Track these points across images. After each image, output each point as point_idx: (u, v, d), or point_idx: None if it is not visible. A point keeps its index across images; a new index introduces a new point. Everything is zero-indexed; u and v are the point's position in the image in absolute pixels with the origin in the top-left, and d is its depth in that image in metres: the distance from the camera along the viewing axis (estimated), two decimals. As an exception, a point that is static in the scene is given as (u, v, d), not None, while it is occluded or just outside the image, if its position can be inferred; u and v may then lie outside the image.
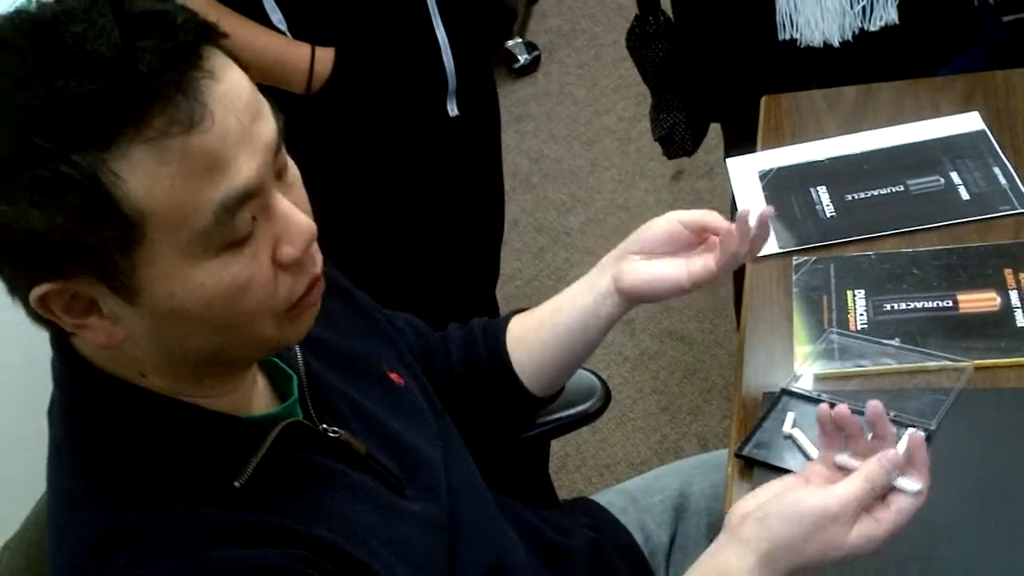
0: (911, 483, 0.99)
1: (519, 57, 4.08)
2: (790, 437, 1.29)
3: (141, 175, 0.83)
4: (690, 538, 1.50)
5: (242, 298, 0.90)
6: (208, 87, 0.85)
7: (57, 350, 0.98)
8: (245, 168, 0.87)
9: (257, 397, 1.05)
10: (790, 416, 1.31)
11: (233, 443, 0.97)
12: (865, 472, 0.98)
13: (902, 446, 1.01)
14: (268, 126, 0.90)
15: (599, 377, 1.59)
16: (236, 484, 0.94)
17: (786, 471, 1.24)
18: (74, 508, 0.94)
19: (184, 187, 0.84)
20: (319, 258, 0.98)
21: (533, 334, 1.37)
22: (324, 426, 1.06)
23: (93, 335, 0.90)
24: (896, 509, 0.98)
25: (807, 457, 1.26)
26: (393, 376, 1.22)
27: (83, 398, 0.97)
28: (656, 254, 1.28)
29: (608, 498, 1.54)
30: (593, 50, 4.14)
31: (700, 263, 1.25)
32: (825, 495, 0.97)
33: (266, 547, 0.91)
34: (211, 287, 0.88)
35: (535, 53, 4.11)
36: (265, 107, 0.91)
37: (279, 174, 0.93)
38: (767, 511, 0.99)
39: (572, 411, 1.54)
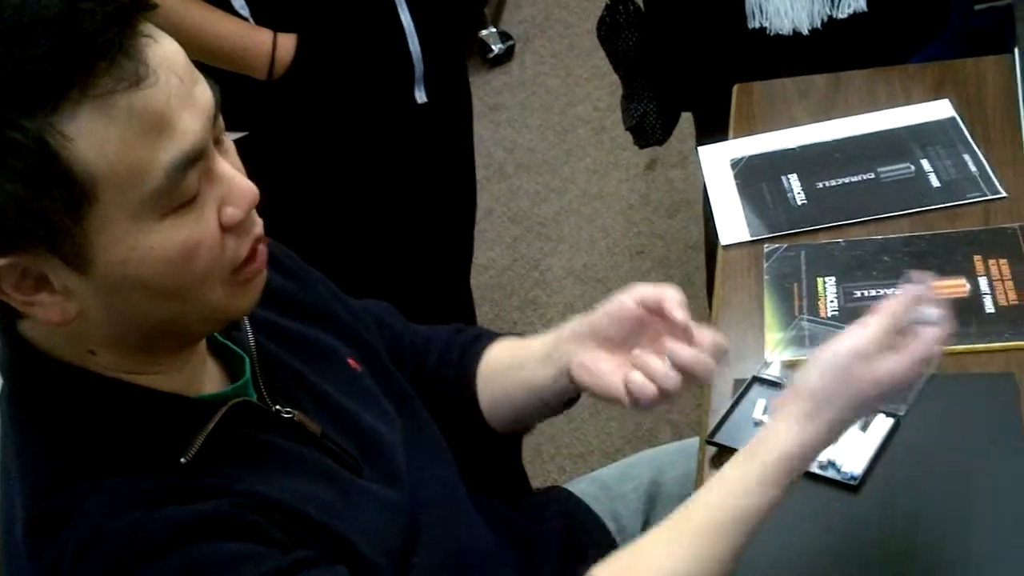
0: (930, 311, 1.04)
1: (493, 47, 4.07)
2: (761, 423, 1.29)
3: (90, 136, 0.83)
4: None
5: (191, 262, 0.91)
6: (149, 47, 0.86)
7: (0, 335, 0.98)
8: (190, 129, 0.88)
9: (208, 379, 1.05)
10: (760, 403, 1.32)
11: (180, 422, 0.96)
12: (885, 307, 1.03)
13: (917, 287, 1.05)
14: (207, 90, 0.91)
15: None
16: (182, 460, 0.94)
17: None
18: (17, 489, 0.94)
19: (133, 147, 0.85)
20: (259, 221, 0.98)
21: (499, 383, 1.32)
22: (277, 407, 1.06)
23: (44, 312, 0.90)
24: (919, 339, 1.02)
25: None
26: (350, 361, 1.22)
27: (26, 383, 0.97)
28: (614, 339, 1.21)
29: (581, 487, 1.54)
30: (567, 40, 4.13)
31: (639, 381, 1.16)
32: (853, 337, 1.01)
33: (208, 501, 0.91)
34: (161, 251, 0.89)
35: (509, 43, 4.10)
36: (200, 74, 0.92)
37: (217, 140, 0.94)
38: (805, 371, 1.03)
39: None
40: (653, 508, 1.51)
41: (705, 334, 1.15)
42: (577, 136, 3.69)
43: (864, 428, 1.26)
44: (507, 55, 4.09)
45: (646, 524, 1.50)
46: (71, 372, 0.95)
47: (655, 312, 1.18)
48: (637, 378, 1.15)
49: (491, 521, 1.28)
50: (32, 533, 0.92)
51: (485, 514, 1.28)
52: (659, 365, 1.14)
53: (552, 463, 2.69)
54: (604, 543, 1.44)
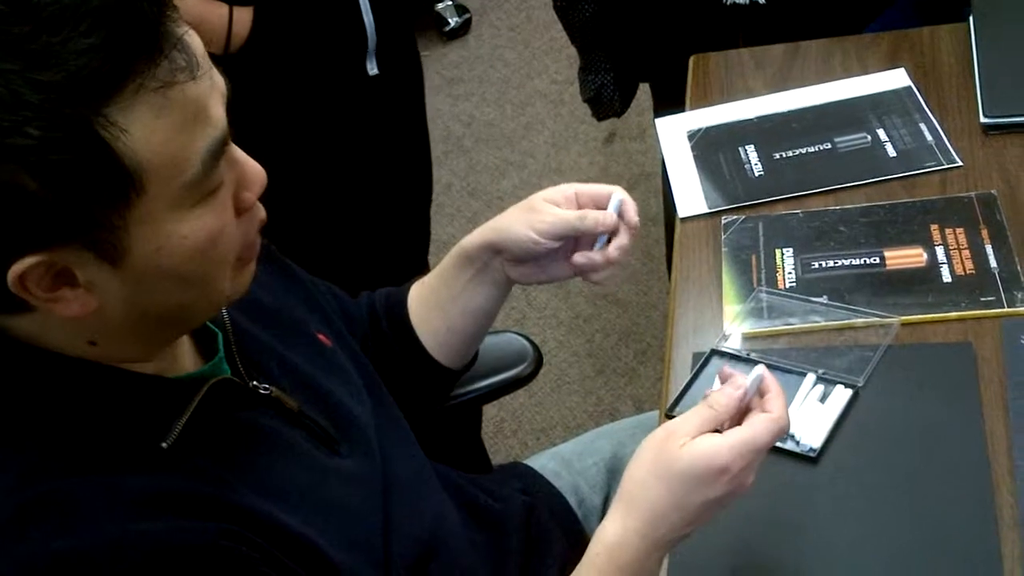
0: (749, 377, 1.02)
1: (449, 20, 4.04)
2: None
3: (142, 127, 0.83)
4: None
5: (215, 248, 0.91)
6: (190, 37, 0.87)
7: None
8: (218, 116, 0.89)
9: (183, 356, 1.04)
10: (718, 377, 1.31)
11: (159, 404, 0.95)
12: (706, 399, 1.02)
13: (749, 379, 1.02)
14: (219, 75, 0.92)
15: (531, 341, 1.58)
16: (163, 445, 0.93)
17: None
18: None
19: (177, 137, 0.85)
20: (261, 205, 0.99)
21: (433, 309, 1.36)
22: (254, 383, 1.05)
23: (64, 307, 0.88)
24: (747, 423, 1.00)
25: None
26: (321, 337, 1.21)
27: (5, 373, 0.94)
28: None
29: (542, 462, 1.54)
30: (524, 12, 4.10)
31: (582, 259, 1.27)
32: (668, 423, 1.02)
33: (192, 519, 0.89)
34: (192, 239, 0.89)
35: (466, 16, 4.07)
36: None
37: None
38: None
39: (503, 376, 1.53)
40: (613, 482, 1.51)
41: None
42: (535, 109, 3.67)
43: (823, 400, 1.26)
44: (463, 28, 4.06)
45: (607, 499, 1.50)
46: (44, 358, 0.93)
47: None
48: (579, 257, 1.26)
49: (457, 500, 1.27)
50: (5, 536, 0.86)
51: (450, 493, 1.27)
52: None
53: (514, 438, 2.69)
54: (566, 519, 1.44)
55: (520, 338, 1.56)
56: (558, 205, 1.27)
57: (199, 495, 0.91)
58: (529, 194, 1.31)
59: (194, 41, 0.87)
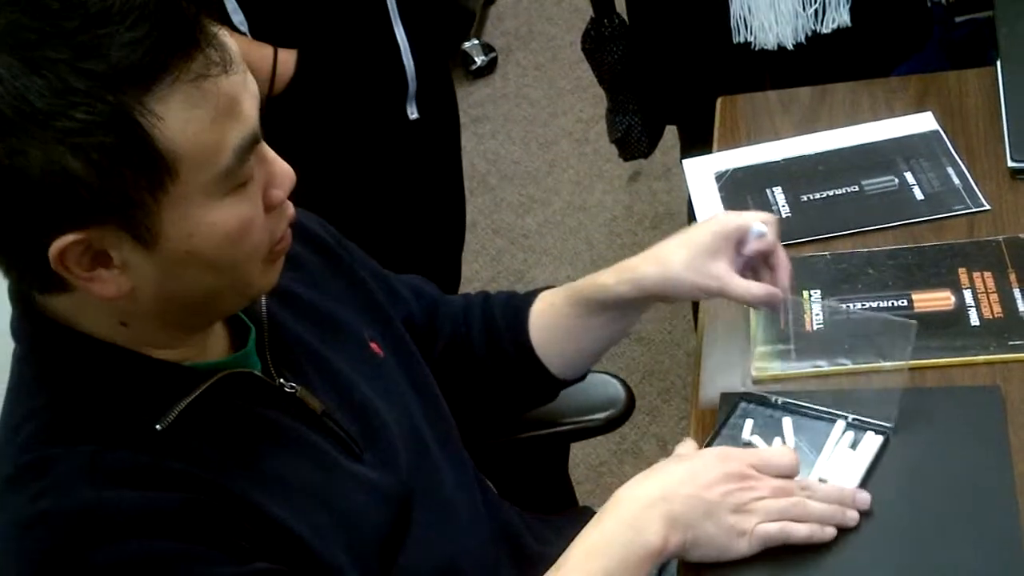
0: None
1: (476, 59, 4.07)
2: (749, 443, 1.29)
3: (178, 116, 0.89)
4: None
5: (245, 238, 0.97)
6: (225, 36, 0.93)
7: (20, 306, 1.02)
8: (251, 114, 0.95)
9: (213, 347, 1.08)
10: (749, 423, 1.31)
11: (165, 388, 1.00)
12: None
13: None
14: (254, 80, 0.97)
15: (624, 383, 1.60)
16: (157, 427, 0.98)
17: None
18: (1, 447, 1.00)
19: (212, 129, 0.91)
20: (291, 204, 1.04)
21: (560, 336, 1.39)
22: (281, 380, 1.08)
23: (101, 287, 0.94)
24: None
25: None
26: (373, 346, 1.24)
27: (36, 347, 1.02)
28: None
29: None
30: (550, 52, 4.13)
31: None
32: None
33: (166, 490, 0.95)
34: (222, 227, 0.95)
35: (492, 55, 4.11)
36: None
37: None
38: None
39: (594, 416, 1.55)
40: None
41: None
42: (560, 148, 3.69)
43: (854, 446, 1.26)
44: (489, 67, 4.10)
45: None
46: (78, 339, 0.99)
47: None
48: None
49: (501, 533, 1.28)
50: (7, 489, 0.97)
51: (497, 523, 1.27)
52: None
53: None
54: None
55: (615, 380, 1.58)
56: (719, 251, 1.29)
57: (175, 471, 0.96)
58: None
59: (228, 40, 0.94)
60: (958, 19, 2.60)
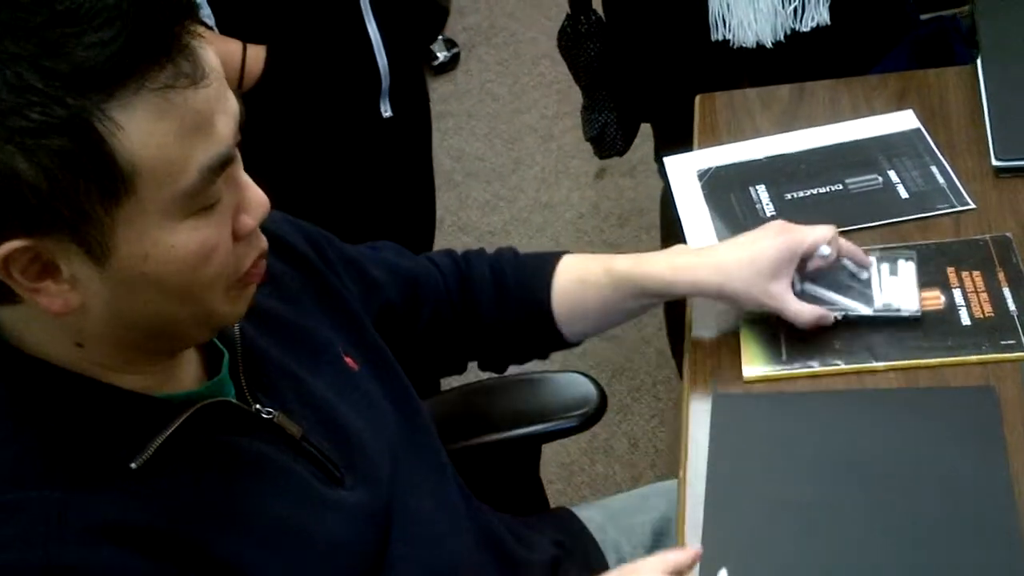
0: None
1: (438, 55, 4.04)
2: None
3: (139, 127, 0.84)
4: None
5: (206, 265, 0.91)
6: (202, 48, 0.88)
7: None
8: (224, 133, 0.90)
9: (185, 374, 1.03)
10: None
11: (139, 423, 0.95)
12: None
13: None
14: (234, 98, 0.92)
15: (596, 383, 1.58)
16: (132, 466, 0.92)
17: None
18: None
19: (176, 144, 0.86)
20: (264, 237, 0.99)
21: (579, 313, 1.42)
22: (257, 406, 1.04)
23: (48, 300, 0.88)
24: None
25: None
26: (348, 360, 1.20)
27: None
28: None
29: (589, 513, 1.52)
30: (512, 47, 4.11)
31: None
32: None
33: (135, 554, 0.90)
34: (181, 251, 0.89)
35: (454, 50, 4.08)
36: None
37: (236, 146, 0.94)
38: None
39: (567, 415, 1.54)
40: (659, 545, 1.48)
41: None
42: (525, 145, 3.68)
43: (895, 273, 1.42)
44: (452, 63, 4.07)
45: None
46: (34, 365, 0.93)
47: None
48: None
49: (486, 540, 1.26)
50: None
51: (481, 530, 1.25)
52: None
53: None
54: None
55: (586, 380, 1.58)
56: (781, 270, 1.34)
57: (149, 529, 0.91)
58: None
59: (206, 53, 0.88)
60: (923, 16, 2.60)
